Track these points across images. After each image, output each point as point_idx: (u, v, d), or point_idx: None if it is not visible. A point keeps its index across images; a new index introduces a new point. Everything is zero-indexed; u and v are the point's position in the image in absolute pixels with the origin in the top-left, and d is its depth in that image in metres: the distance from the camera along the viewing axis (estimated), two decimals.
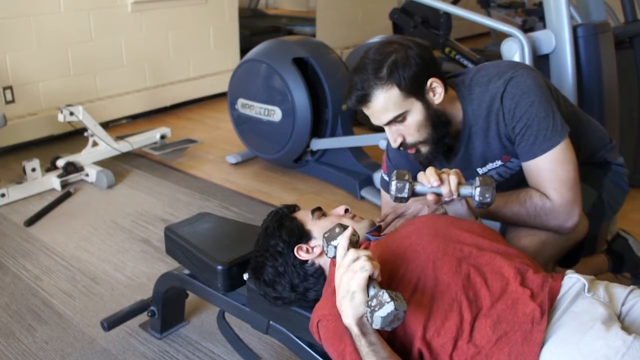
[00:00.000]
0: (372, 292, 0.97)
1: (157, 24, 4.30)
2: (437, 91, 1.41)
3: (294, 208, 1.41)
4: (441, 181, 1.21)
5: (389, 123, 1.41)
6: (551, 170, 1.39)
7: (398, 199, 1.22)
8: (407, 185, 1.20)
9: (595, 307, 1.04)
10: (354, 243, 1.05)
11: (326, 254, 1.08)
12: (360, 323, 0.99)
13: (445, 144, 1.46)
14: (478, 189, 1.19)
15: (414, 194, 1.23)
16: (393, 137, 1.44)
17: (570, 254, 1.59)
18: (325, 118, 3.08)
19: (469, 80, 1.48)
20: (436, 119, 1.42)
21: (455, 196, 1.22)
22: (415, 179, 1.24)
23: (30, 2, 3.57)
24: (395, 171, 1.22)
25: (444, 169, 1.24)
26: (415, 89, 1.37)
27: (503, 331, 1.02)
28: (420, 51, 1.39)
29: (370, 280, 0.97)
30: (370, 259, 0.98)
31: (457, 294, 1.05)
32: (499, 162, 1.51)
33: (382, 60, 1.36)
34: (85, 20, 3.87)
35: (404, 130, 1.42)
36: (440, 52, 4.44)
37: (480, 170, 1.54)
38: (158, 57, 4.38)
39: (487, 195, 1.19)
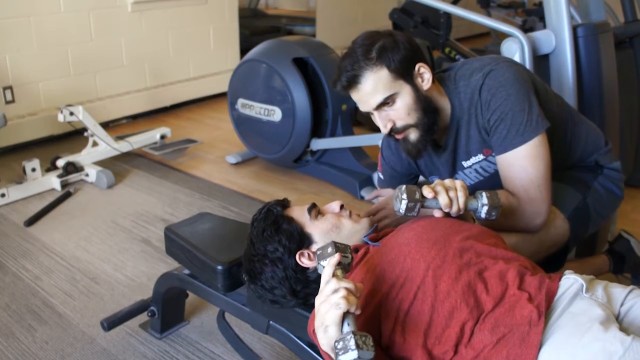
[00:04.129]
0: (345, 329, 0.93)
1: (157, 24, 4.30)
2: (424, 77, 1.42)
3: (284, 203, 1.36)
4: (449, 199, 1.19)
5: (378, 107, 1.41)
6: (520, 167, 1.39)
7: (407, 216, 1.22)
8: (418, 205, 1.19)
9: (593, 307, 1.03)
10: (346, 265, 1.04)
11: (317, 270, 1.07)
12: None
13: (434, 131, 1.46)
14: (485, 207, 1.21)
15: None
16: (383, 122, 1.43)
17: (553, 259, 1.54)
18: (325, 118, 3.08)
19: (454, 75, 1.49)
20: (425, 104, 1.42)
21: (462, 212, 1.21)
22: (418, 184, 1.23)
23: (30, 2, 3.57)
24: (404, 187, 1.19)
25: (447, 182, 1.22)
26: (404, 72, 1.38)
27: (501, 334, 1.01)
28: (407, 38, 1.42)
29: (347, 314, 0.94)
30: (349, 294, 0.95)
31: (457, 302, 1.05)
32: (481, 156, 1.51)
33: (371, 44, 1.38)
34: (85, 20, 3.87)
35: (394, 114, 1.42)
36: (440, 52, 4.44)
37: (464, 164, 1.54)
38: (158, 57, 4.39)
39: (493, 214, 1.22)
